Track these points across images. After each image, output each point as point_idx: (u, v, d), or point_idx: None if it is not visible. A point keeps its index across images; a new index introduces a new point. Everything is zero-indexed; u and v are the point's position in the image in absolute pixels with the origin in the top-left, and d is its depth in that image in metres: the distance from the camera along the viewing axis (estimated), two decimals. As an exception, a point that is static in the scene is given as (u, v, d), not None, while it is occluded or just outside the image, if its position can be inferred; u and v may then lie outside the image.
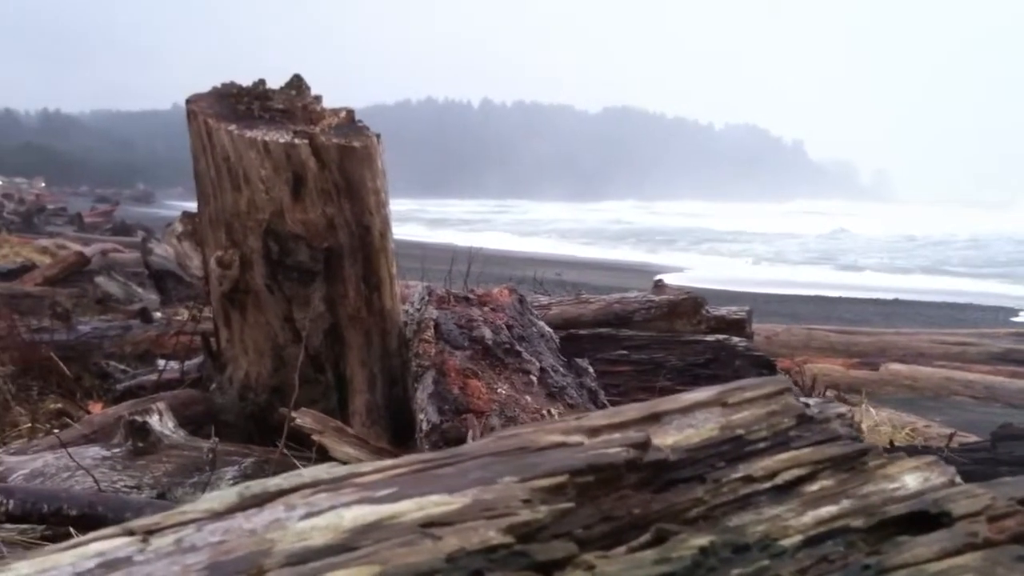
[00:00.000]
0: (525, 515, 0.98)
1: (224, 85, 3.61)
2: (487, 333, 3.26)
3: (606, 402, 3.22)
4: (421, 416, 2.93)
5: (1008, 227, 46.99)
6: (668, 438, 1.17)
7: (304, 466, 2.82)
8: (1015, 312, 16.20)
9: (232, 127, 3.35)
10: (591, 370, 3.41)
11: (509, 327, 3.39)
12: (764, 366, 4.17)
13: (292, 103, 3.53)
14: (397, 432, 3.45)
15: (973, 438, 4.57)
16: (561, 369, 3.29)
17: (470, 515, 0.97)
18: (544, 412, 2.88)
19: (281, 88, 3.59)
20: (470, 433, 2.73)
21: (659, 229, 52.03)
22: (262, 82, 3.58)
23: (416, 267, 8.76)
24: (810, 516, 1.08)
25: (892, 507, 1.09)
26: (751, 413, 1.23)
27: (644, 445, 1.12)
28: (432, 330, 3.25)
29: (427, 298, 3.54)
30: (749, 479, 1.13)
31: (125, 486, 2.87)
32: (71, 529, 2.21)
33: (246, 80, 3.60)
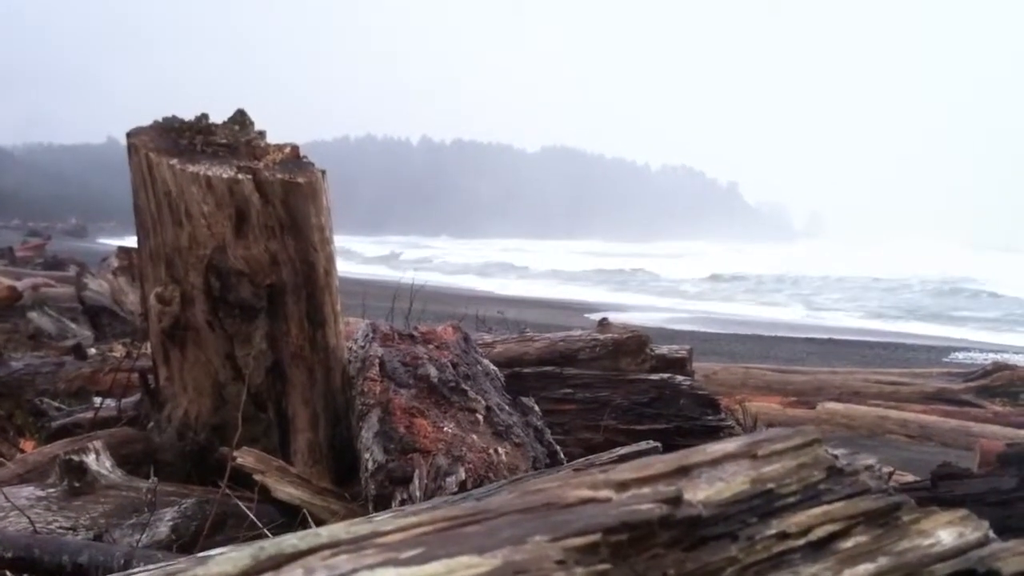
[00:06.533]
0: None
1: (166, 119, 3.56)
2: (432, 371, 3.24)
3: (552, 441, 3.21)
4: (366, 455, 2.89)
5: (936, 269, 47.93)
6: (699, 493, 1.13)
7: (248, 507, 2.77)
8: (947, 352, 16.50)
9: (174, 161, 3.31)
10: (536, 409, 3.39)
11: (454, 365, 3.37)
12: (708, 405, 4.19)
13: (236, 138, 3.50)
14: (340, 472, 3.40)
15: (910, 477, 4.62)
16: (507, 408, 3.27)
17: None
18: (491, 451, 2.86)
19: (224, 123, 3.56)
20: (416, 473, 2.70)
21: (599, 267, 52.29)
22: (205, 116, 3.54)
23: (357, 304, 8.70)
24: (847, 575, 1.06)
25: (937, 566, 1.07)
26: (781, 466, 1.20)
27: (676, 500, 1.08)
28: (377, 368, 3.22)
29: (371, 335, 3.51)
30: (783, 536, 1.10)
31: (61, 527, 2.79)
32: (7, 573, 2.14)
33: (186, 115, 3.56)
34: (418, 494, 2.64)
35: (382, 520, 1.06)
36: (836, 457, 1.24)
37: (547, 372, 4.47)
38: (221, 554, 1.00)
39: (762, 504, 1.14)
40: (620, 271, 49.78)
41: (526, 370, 4.47)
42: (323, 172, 3.48)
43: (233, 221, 3.28)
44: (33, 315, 8.62)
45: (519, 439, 3.05)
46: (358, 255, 61.60)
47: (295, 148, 3.54)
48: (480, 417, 3.09)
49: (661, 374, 4.41)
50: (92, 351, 6.36)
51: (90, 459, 3.06)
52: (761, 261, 58.33)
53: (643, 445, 2.55)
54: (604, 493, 1.10)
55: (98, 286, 8.99)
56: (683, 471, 1.17)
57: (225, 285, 3.32)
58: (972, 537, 1.11)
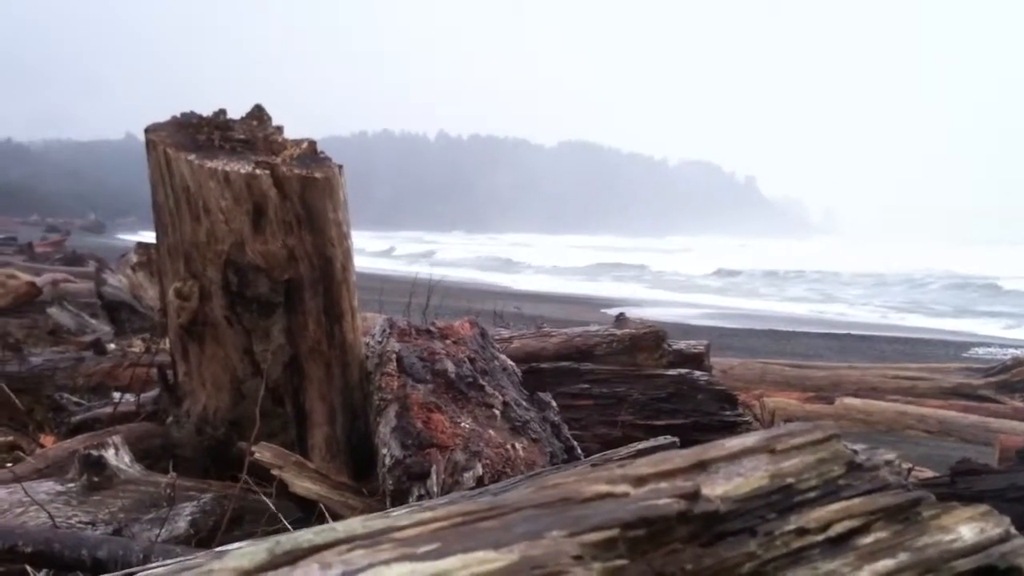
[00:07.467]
0: (577, 573, 0.92)
1: (184, 115, 3.57)
2: (450, 367, 3.24)
3: (569, 436, 3.21)
4: (384, 451, 2.89)
5: (954, 265, 47.60)
6: (717, 488, 1.12)
7: (266, 502, 2.78)
8: (966, 347, 16.38)
9: (192, 157, 3.31)
10: (554, 404, 3.39)
11: (472, 360, 3.37)
12: (726, 400, 4.18)
13: (253, 133, 3.50)
14: (358, 467, 3.40)
15: (929, 472, 4.60)
16: (524, 403, 3.27)
17: (519, 573, 0.91)
18: (508, 446, 2.86)
19: (242, 118, 3.56)
20: (433, 468, 2.70)
21: (616, 262, 52.27)
22: (223, 112, 3.55)
23: (374, 299, 8.71)
24: (867, 572, 1.05)
25: (958, 562, 1.06)
26: (800, 461, 1.19)
27: (694, 495, 1.07)
28: (394, 363, 3.23)
29: (388, 331, 3.51)
30: (802, 531, 1.09)
31: (80, 522, 2.80)
32: (27, 567, 2.15)
33: (204, 111, 3.57)
34: (435, 489, 2.65)
35: (398, 515, 1.05)
36: (855, 452, 1.23)
37: (564, 367, 4.46)
38: (238, 549, 1.00)
39: (781, 499, 1.13)
40: (637, 266, 49.71)
41: (543, 365, 4.47)
42: (340, 167, 3.48)
43: (251, 216, 3.28)
44: (53, 310, 8.66)
45: (536, 434, 3.05)
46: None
47: (312, 143, 3.54)
48: (497, 412, 3.09)
49: (678, 369, 4.41)
50: (111, 346, 6.39)
51: (109, 454, 3.08)
52: (778, 256, 58.13)
53: (661, 440, 2.55)
54: (622, 488, 1.09)
55: (117, 281, 9.02)
56: (701, 466, 1.16)
57: (243, 280, 3.33)
58: (993, 533, 1.11)
